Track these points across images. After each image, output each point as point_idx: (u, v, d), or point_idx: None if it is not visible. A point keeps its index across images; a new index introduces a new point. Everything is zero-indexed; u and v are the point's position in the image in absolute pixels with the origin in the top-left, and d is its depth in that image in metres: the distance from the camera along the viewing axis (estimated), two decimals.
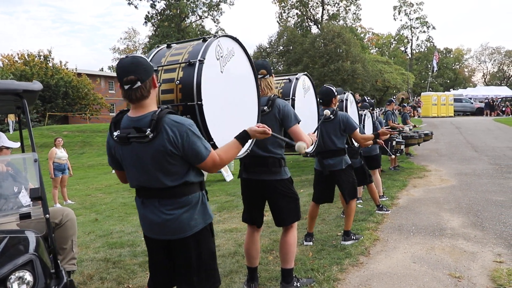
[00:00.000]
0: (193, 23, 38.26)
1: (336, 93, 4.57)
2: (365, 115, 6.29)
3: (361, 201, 7.00)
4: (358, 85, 38.66)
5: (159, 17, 36.43)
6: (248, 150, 2.84)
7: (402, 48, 63.56)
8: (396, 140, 9.47)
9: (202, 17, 37.76)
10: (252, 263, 3.57)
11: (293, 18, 49.49)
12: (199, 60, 2.37)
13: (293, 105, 3.51)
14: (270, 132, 2.48)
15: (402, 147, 9.75)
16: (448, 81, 63.87)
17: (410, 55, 62.41)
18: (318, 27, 47.85)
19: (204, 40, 2.57)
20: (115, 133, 2.17)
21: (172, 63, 2.51)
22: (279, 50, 46.83)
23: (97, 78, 42.56)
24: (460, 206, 6.34)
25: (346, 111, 6.02)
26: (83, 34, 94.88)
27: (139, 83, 2.10)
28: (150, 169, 2.15)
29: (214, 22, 37.90)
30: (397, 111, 13.83)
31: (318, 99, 4.55)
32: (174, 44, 2.75)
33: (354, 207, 4.73)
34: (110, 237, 6.08)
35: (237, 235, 5.45)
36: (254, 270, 3.59)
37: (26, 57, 35.33)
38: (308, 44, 41.63)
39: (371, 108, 8.11)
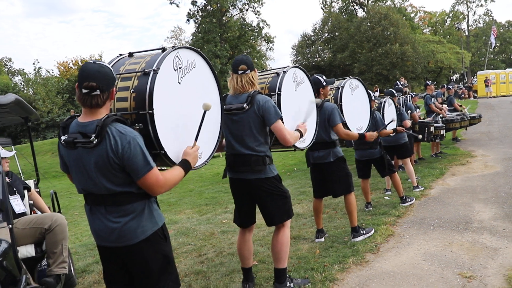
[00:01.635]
0: (234, 17, 38.35)
1: (324, 83, 4.32)
2: (385, 102, 5.93)
3: (389, 192, 6.66)
4: (409, 67, 36.85)
5: (200, 14, 36.91)
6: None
7: (458, 25, 59.62)
8: (434, 125, 8.89)
9: (243, 10, 37.74)
10: (245, 263, 3.50)
11: (337, 3, 48.04)
12: (153, 70, 2.35)
13: (279, 100, 3.35)
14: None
15: (442, 132, 9.12)
16: None
17: (466, 32, 58.42)
18: (364, 10, 46.11)
19: (163, 51, 2.53)
20: (63, 137, 2.17)
21: (129, 72, 2.49)
22: (324, 37, 45.74)
23: None
24: (498, 195, 5.82)
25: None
26: (134, 36, 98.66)
27: (98, 92, 2.10)
28: (93, 174, 2.13)
29: (255, 14, 37.76)
30: (444, 94, 12.95)
31: None
32: (136, 53, 2.72)
33: (353, 201, 4.46)
34: None
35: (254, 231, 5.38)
36: (248, 271, 3.51)
37: (80, 62, 37.34)
38: (354, 29, 40.27)
39: (400, 94, 7.68)
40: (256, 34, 38.05)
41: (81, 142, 2.10)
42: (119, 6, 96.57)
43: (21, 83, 36.91)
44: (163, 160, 2.41)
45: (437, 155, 9.90)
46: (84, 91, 2.10)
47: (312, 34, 45.73)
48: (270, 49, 42.69)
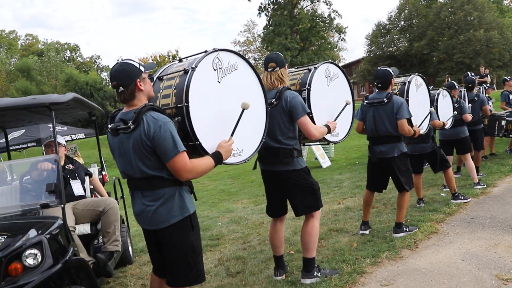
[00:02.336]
0: (305, 9, 38.03)
1: (393, 74, 4.28)
2: (438, 94, 5.66)
3: (447, 189, 6.37)
4: (495, 55, 33.81)
5: (271, 7, 37.14)
6: (246, 161, 2.95)
7: None
8: (507, 119, 8.25)
9: (314, 1, 37.23)
10: (276, 251, 3.67)
11: None
12: (191, 68, 2.60)
13: (308, 95, 3.45)
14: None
15: None
16: None
17: None
18: None
19: (204, 54, 2.75)
20: (109, 126, 2.51)
21: (174, 72, 2.79)
22: (400, 26, 43.56)
23: None
24: None
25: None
26: (211, 31, 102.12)
27: (121, 88, 2.42)
28: (131, 157, 2.41)
29: (327, 4, 37.04)
30: None
31: (377, 84, 4.33)
32: (184, 58, 3.00)
33: (407, 198, 4.39)
34: None
35: (296, 223, 5.52)
36: (279, 258, 3.68)
37: (158, 58, 39.61)
38: (433, 15, 37.83)
39: (465, 87, 7.26)
40: (327, 25, 37.36)
41: (122, 128, 2.41)
42: (197, 2, 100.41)
43: (107, 79, 40.19)
44: (199, 151, 2.61)
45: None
46: (114, 90, 2.45)
47: (387, 23, 43.76)
48: (342, 40, 41.70)
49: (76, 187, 3.86)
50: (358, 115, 4.41)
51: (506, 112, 8.53)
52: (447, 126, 5.74)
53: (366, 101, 4.37)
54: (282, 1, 35.94)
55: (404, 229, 4.41)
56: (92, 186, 4.33)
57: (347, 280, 3.37)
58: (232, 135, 2.68)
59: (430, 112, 4.70)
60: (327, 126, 3.44)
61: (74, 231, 3.46)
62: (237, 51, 2.99)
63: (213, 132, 2.66)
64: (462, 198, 5.52)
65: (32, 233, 2.61)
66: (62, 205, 2.85)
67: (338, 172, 9.99)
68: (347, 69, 53.90)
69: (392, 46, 43.59)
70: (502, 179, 6.82)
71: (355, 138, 14.19)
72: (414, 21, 42.21)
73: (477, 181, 6.32)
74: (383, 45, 43.59)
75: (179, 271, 2.50)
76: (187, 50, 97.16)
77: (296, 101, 3.24)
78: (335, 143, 3.85)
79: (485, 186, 6.27)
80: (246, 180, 11.42)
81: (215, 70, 2.74)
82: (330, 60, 3.95)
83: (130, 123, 2.36)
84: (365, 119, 4.42)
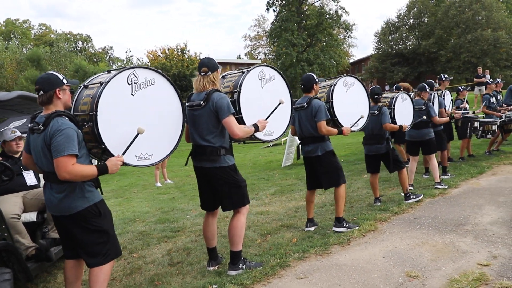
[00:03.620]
0: (313, 4, 37.88)
1: (317, 80, 4.56)
2: (397, 97, 5.80)
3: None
4: (502, 55, 33.44)
5: (279, 2, 37.12)
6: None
7: None
8: (480, 120, 8.34)
9: None
10: (209, 244, 3.91)
11: None
12: (105, 82, 2.97)
13: (238, 97, 3.65)
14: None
15: (494, 127, 8.49)
16: None
17: None
18: None
19: (121, 69, 3.11)
20: (29, 125, 2.88)
21: (96, 83, 3.13)
22: (408, 23, 43.23)
23: (227, 65, 45.74)
24: None
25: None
26: (225, 24, 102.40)
27: (41, 92, 2.81)
28: (41, 155, 2.78)
29: (334, 1, 36.88)
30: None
31: (300, 85, 4.61)
32: (113, 71, 3.26)
33: (342, 193, 4.61)
34: (166, 214, 6.93)
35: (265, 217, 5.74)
36: (212, 250, 3.92)
37: (167, 51, 39.90)
38: (441, 14, 37.49)
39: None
40: (334, 22, 37.21)
41: (35, 129, 2.78)
42: None
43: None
44: (108, 153, 2.95)
45: (490, 153, 9.21)
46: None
47: (396, 21, 43.46)
48: (349, 37, 41.53)
49: (29, 177, 4.13)
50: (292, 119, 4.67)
51: (508, 113, 8.62)
52: (406, 129, 5.90)
53: (293, 106, 4.60)
54: None
55: (345, 224, 4.62)
56: None
57: (267, 272, 3.58)
58: (125, 151, 2.94)
59: (361, 117, 4.87)
60: (255, 125, 3.64)
61: (19, 219, 3.74)
62: (155, 68, 3.33)
63: (120, 137, 3.00)
64: (414, 197, 5.69)
65: None
66: None
67: None
68: (356, 66, 53.60)
69: (401, 43, 43.30)
70: (467, 180, 6.93)
71: (349, 136, 14.36)
72: (424, 19, 41.86)
73: (439, 181, 6.47)
74: (392, 43, 43.34)
75: (93, 251, 2.85)
76: (198, 44, 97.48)
77: (222, 102, 3.45)
78: (269, 141, 4.05)
79: (446, 186, 6.41)
80: None
81: (129, 84, 3.09)
82: (265, 64, 4.15)
83: (41, 125, 2.74)
84: (295, 123, 4.66)
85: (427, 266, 3.53)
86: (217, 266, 3.89)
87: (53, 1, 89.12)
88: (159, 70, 3.33)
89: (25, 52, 39.67)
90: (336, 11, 37.44)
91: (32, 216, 3.89)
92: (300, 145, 4.74)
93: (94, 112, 2.86)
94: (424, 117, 6.25)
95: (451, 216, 4.92)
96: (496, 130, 8.65)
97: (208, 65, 3.59)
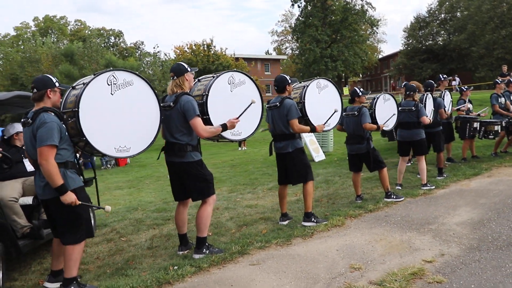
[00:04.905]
0: (337, 1, 37.59)
1: (289, 81, 4.83)
2: (378, 98, 5.98)
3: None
4: None
5: None
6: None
7: None
8: (481, 121, 8.32)
9: None
10: (180, 230, 4.33)
11: None
12: (87, 83, 3.42)
13: (206, 100, 4.02)
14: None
15: (497, 128, 8.43)
16: None
17: None
18: None
19: (102, 72, 3.54)
20: (22, 120, 3.38)
21: (81, 84, 3.59)
22: (440, 19, 42.11)
23: (253, 61, 46.07)
24: (504, 203, 5.41)
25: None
26: (257, 19, 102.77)
27: (35, 90, 3.33)
28: (29, 145, 3.28)
29: None
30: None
31: (274, 86, 4.90)
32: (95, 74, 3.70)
33: (309, 189, 4.91)
34: (167, 204, 7.35)
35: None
36: (182, 236, 4.33)
37: (193, 46, 40.69)
38: (474, 9, 36.29)
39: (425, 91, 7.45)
40: (359, 17, 36.81)
41: (26, 122, 3.27)
42: None
43: (147, 64, 41.86)
44: (90, 145, 3.39)
45: (496, 154, 9.13)
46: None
47: (427, 16, 42.41)
48: (374, 33, 40.92)
49: (29, 164, 4.66)
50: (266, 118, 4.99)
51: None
52: (386, 129, 6.07)
53: (267, 105, 4.90)
54: None
55: (313, 219, 4.90)
56: None
57: (226, 258, 3.94)
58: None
59: (335, 111, 5.09)
60: (224, 125, 3.98)
61: (16, 201, 4.27)
62: (133, 71, 3.74)
63: (101, 131, 3.45)
64: (394, 197, 5.87)
65: None
66: None
67: (323, 167, 10.37)
68: (385, 62, 52.69)
69: (431, 39, 42.26)
70: (459, 181, 7.00)
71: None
72: (456, 13, 40.66)
73: (425, 183, 6.59)
74: (421, 38, 42.37)
75: (67, 232, 3.36)
76: (229, 39, 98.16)
77: (189, 105, 3.82)
78: (236, 141, 4.39)
79: (433, 187, 6.53)
80: (243, 169, 12.04)
81: (109, 85, 3.52)
82: (235, 69, 4.48)
83: (30, 119, 3.21)
84: (269, 120, 4.95)
85: (374, 260, 3.78)
86: (186, 251, 4.28)
87: None
88: (137, 72, 3.75)
89: (60, 47, 41.38)
90: (362, 7, 36.99)
91: (29, 200, 4.40)
92: (272, 142, 5.01)
93: (76, 109, 3.30)
94: (394, 114, 6.34)
95: (421, 215, 5.10)
96: (499, 131, 8.58)
97: (174, 71, 3.99)
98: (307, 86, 5.00)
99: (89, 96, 3.38)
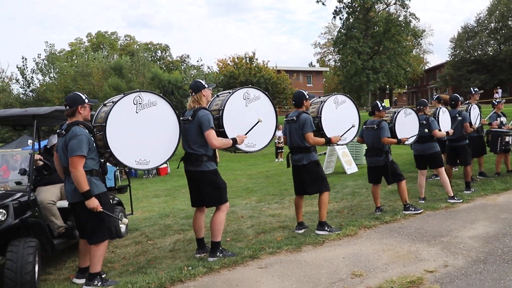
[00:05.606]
0: (381, 12, 37.22)
1: (307, 97, 5.08)
2: (399, 112, 6.08)
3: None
4: None
5: (346, 10, 37.02)
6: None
7: None
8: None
9: (390, 4, 36.30)
10: (197, 235, 4.68)
11: None
12: (116, 101, 3.90)
13: (222, 114, 4.37)
14: None
15: None
16: None
17: None
18: None
19: (129, 92, 4.02)
20: (58, 131, 3.89)
21: (110, 102, 4.05)
22: (489, 28, 40.51)
23: (294, 73, 46.43)
24: None
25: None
26: (302, 31, 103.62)
27: (68, 107, 3.82)
28: (61, 153, 3.77)
29: (403, 7, 35.85)
30: None
31: (292, 101, 5.17)
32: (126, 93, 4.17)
33: (325, 199, 5.10)
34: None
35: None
36: (200, 240, 4.68)
37: (236, 59, 41.73)
38: None
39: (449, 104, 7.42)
40: (402, 29, 36.22)
41: (60, 133, 3.78)
42: (290, 2, 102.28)
43: (191, 77, 43.41)
44: (112, 158, 3.87)
45: None
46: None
47: (475, 25, 40.95)
48: (418, 44, 40.02)
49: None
50: (284, 130, 5.25)
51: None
52: (407, 143, 6.14)
53: (285, 119, 5.16)
54: (356, 5, 35.63)
55: (326, 228, 5.09)
56: None
57: (237, 261, 4.22)
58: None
59: (353, 126, 5.27)
60: (234, 139, 4.31)
61: (54, 204, 4.81)
62: (158, 93, 4.20)
63: (124, 144, 3.91)
64: (412, 209, 5.91)
65: (4, 199, 3.95)
66: (29, 183, 4.19)
67: (354, 179, 10.46)
68: (431, 73, 51.25)
69: (479, 49, 40.71)
70: (487, 196, 6.88)
71: (397, 147, 14.26)
72: (508, 22, 38.99)
73: (452, 195, 6.55)
74: (469, 49, 40.92)
75: (92, 233, 3.79)
76: (273, 51, 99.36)
77: (205, 119, 4.19)
78: (251, 152, 4.69)
79: (460, 201, 6.47)
80: (275, 180, 12.33)
81: (135, 104, 3.98)
82: (250, 85, 4.81)
83: (63, 131, 3.71)
84: (286, 133, 5.21)
85: (376, 268, 3.92)
86: (203, 254, 4.61)
87: (142, 12, 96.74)
88: (161, 94, 4.20)
89: (110, 62, 43.81)
90: (405, 18, 36.39)
91: (65, 203, 4.92)
92: (289, 154, 5.27)
93: (104, 124, 3.77)
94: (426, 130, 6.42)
95: (436, 228, 5.13)
96: None
97: (193, 88, 4.38)
98: (324, 102, 5.23)
99: (116, 113, 3.84)
